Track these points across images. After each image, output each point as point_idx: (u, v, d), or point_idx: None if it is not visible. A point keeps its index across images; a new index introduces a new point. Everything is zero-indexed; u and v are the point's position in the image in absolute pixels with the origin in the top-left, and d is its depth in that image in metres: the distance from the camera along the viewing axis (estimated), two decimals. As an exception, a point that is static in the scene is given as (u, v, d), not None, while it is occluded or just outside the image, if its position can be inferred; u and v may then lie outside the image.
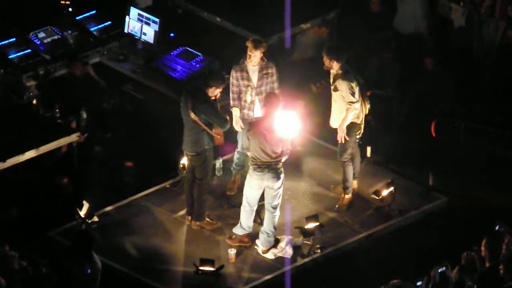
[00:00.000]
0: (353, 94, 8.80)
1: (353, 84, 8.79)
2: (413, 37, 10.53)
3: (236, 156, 9.27)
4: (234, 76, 8.95)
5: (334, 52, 8.74)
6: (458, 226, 8.97)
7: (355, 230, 8.95)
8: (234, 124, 8.92)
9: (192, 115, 8.60)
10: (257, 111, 8.93)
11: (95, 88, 10.02)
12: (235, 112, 8.96)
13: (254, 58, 8.80)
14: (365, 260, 8.74)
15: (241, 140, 9.09)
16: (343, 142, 8.96)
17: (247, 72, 8.91)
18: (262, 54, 8.79)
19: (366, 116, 9.00)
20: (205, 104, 8.57)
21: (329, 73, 8.94)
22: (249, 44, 8.79)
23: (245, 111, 8.99)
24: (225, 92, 8.93)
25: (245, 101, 8.95)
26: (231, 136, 9.21)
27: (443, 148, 9.71)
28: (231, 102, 8.98)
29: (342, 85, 8.79)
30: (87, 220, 8.71)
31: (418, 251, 8.71)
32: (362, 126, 8.96)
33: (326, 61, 8.80)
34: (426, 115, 9.88)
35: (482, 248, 7.61)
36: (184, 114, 8.69)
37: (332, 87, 8.90)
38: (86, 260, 7.62)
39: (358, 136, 8.99)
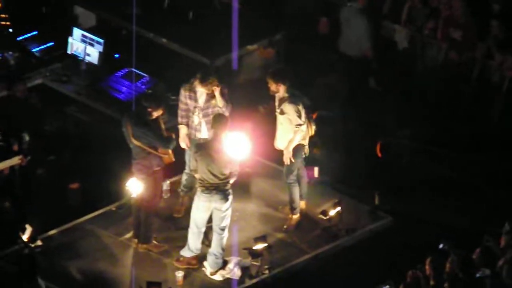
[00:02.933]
0: (300, 116, 8.84)
1: (300, 107, 8.84)
2: (358, 58, 10.66)
3: (184, 177, 9.20)
4: (183, 95, 8.90)
5: (279, 76, 8.78)
6: (403, 245, 9.05)
7: (303, 250, 8.96)
8: (180, 142, 8.86)
9: (134, 141, 8.52)
10: (204, 133, 8.89)
11: (37, 110, 9.85)
12: (182, 129, 8.90)
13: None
14: (313, 280, 8.75)
15: (189, 161, 9.04)
16: (289, 163, 8.98)
17: (195, 93, 8.87)
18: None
19: (312, 137, 9.05)
20: (144, 128, 8.49)
21: (274, 96, 8.97)
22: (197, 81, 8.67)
23: (192, 131, 8.94)
24: (172, 110, 8.86)
25: (193, 121, 8.91)
26: (182, 155, 9.12)
27: (388, 168, 9.82)
28: (179, 119, 8.92)
29: (288, 108, 8.83)
30: (31, 244, 8.53)
31: (365, 269, 8.76)
32: (307, 147, 9.01)
33: (273, 85, 8.82)
34: (371, 136, 9.99)
35: (427, 266, 7.70)
36: (128, 140, 8.61)
37: (278, 111, 8.94)
38: (30, 285, 7.44)
39: (304, 156, 9.03)
